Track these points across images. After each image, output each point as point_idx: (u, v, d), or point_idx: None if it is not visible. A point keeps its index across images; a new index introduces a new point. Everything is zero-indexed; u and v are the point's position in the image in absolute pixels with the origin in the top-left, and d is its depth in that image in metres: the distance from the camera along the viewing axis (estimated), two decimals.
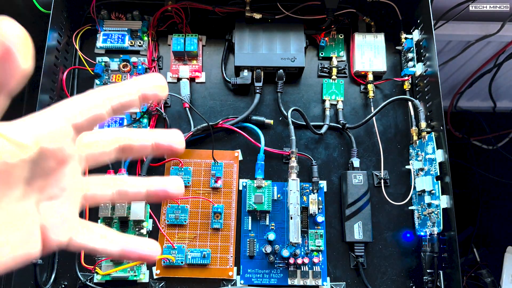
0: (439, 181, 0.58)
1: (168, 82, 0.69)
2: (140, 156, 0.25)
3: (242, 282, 0.61)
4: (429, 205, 0.60)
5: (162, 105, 0.67)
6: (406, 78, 0.69)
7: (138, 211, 0.61)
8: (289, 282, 0.61)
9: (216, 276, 0.61)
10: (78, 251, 0.23)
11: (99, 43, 0.69)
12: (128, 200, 0.26)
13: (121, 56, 0.68)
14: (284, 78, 0.67)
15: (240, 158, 0.66)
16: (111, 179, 0.27)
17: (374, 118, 0.66)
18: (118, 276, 0.60)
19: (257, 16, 0.67)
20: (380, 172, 0.66)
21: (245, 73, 0.67)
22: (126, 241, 0.26)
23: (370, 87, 0.68)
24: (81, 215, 0.61)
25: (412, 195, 0.65)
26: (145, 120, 0.66)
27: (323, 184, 0.65)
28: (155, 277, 0.61)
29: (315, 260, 0.61)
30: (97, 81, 0.68)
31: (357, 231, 0.62)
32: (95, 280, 0.60)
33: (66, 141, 0.23)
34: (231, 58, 0.70)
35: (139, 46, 0.69)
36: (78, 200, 0.26)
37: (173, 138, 0.27)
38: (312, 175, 0.63)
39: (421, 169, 0.63)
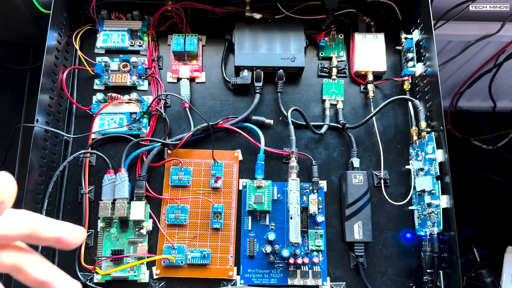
0: (439, 181, 0.58)
1: (168, 82, 0.69)
2: (43, 244, 0.27)
3: (242, 282, 0.61)
4: (429, 205, 0.60)
5: (162, 105, 0.67)
6: (406, 78, 0.69)
7: (138, 211, 0.61)
8: (289, 282, 0.61)
9: (216, 276, 0.61)
10: None
11: (99, 43, 0.69)
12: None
13: (121, 56, 0.68)
14: (284, 78, 0.67)
15: (240, 158, 0.66)
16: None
17: (374, 118, 0.66)
18: (118, 276, 0.60)
19: (257, 16, 0.67)
20: (380, 172, 0.66)
21: (245, 73, 0.67)
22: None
23: (370, 87, 0.68)
24: (81, 215, 0.61)
25: (412, 195, 0.65)
26: (145, 120, 0.66)
27: (323, 184, 0.65)
28: (155, 277, 0.61)
29: (315, 260, 0.61)
30: (97, 81, 0.68)
31: (357, 231, 0.62)
32: (95, 280, 0.60)
33: None
34: (231, 58, 0.70)
35: (139, 46, 0.69)
36: None
37: (73, 237, 0.28)
38: (312, 175, 0.63)
39: (421, 169, 0.63)
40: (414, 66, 0.67)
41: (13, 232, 0.26)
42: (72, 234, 0.28)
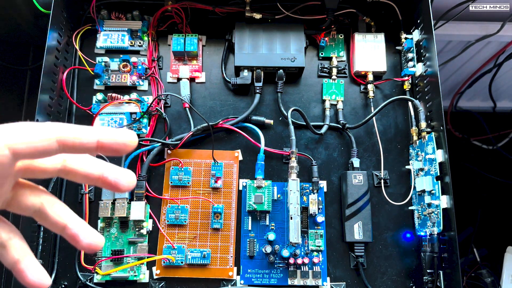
0: (439, 181, 0.58)
1: (168, 82, 0.69)
2: (84, 183, 0.26)
3: (242, 282, 0.61)
4: (429, 205, 0.60)
5: (162, 105, 0.67)
6: (406, 78, 0.69)
7: (138, 211, 0.61)
8: (289, 282, 0.61)
9: (216, 276, 0.61)
10: None
11: (99, 43, 0.69)
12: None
13: (121, 56, 0.68)
14: (284, 78, 0.67)
15: (240, 158, 0.66)
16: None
17: (374, 118, 0.66)
18: (118, 276, 0.60)
19: (257, 16, 0.67)
20: (380, 172, 0.66)
21: (245, 73, 0.67)
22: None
23: (370, 87, 0.68)
24: (81, 215, 0.61)
25: (412, 195, 0.65)
26: (145, 120, 0.66)
27: (323, 184, 0.65)
28: (155, 277, 0.61)
29: (315, 260, 0.61)
30: (97, 81, 0.68)
31: (357, 231, 0.62)
32: (95, 280, 0.60)
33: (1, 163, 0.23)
34: (231, 58, 0.70)
35: (139, 46, 0.69)
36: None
37: (121, 177, 0.27)
38: (312, 175, 0.63)
39: (421, 169, 0.63)
40: (414, 66, 0.67)
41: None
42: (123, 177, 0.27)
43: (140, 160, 0.64)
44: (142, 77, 0.68)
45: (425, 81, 0.65)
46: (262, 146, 0.64)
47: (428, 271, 0.59)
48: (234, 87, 0.69)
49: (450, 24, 0.82)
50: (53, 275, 0.60)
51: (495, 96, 1.19)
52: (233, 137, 0.67)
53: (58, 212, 0.27)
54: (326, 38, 0.71)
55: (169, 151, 0.65)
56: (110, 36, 0.69)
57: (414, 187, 0.64)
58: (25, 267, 0.27)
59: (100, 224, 0.62)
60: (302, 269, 0.61)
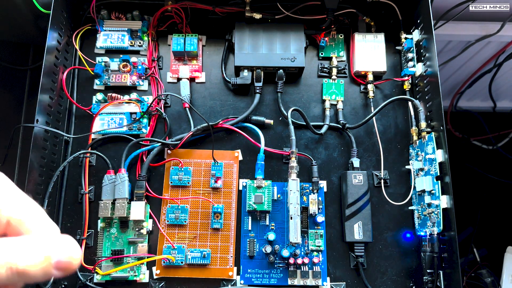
0: (439, 181, 0.58)
1: (168, 82, 0.69)
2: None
3: (242, 282, 0.61)
4: (429, 205, 0.60)
5: (162, 105, 0.67)
6: (406, 78, 0.69)
7: (138, 211, 0.61)
8: (289, 282, 0.61)
9: (216, 276, 0.61)
10: None
11: (99, 43, 0.69)
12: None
13: (121, 56, 0.68)
14: (284, 78, 0.67)
15: (240, 158, 0.66)
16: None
17: (374, 118, 0.66)
18: (118, 276, 0.60)
19: (257, 16, 0.67)
20: (380, 172, 0.66)
21: (245, 73, 0.67)
22: None
23: (370, 87, 0.68)
24: (81, 215, 0.61)
25: (412, 195, 0.65)
26: (145, 120, 0.66)
27: (323, 184, 0.65)
28: (155, 277, 0.61)
29: (315, 260, 0.61)
30: (97, 81, 0.68)
31: (357, 231, 0.62)
32: (95, 280, 0.60)
33: None
34: (231, 58, 0.70)
35: (139, 46, 0.69)
36: None
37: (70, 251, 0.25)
38: (312, 175, 0.63)
39: (421, 169, 0.63)
40: (414, 66, 0.67)
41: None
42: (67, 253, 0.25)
43: (140, 160, 0.64)
44: (142, 77, 0.68)
45: (425, 81, 0.65)
46: (262, 146, 0.64)
47: (428, 271, 0.59)
48: (234, 87, 0.69)
49: (450, 24, 0.83)
50: None
51: (495, 96, 1.19)
52: (233, 137, 0.67)
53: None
54: (326, 38, 0.71)
55: (169, 151, 0.65)
56: (110, 36, 0.69)
57: (414, 187, 0.64)
58: None
59: (100, 224, 0.62)
60: (302, 269, 0.61)
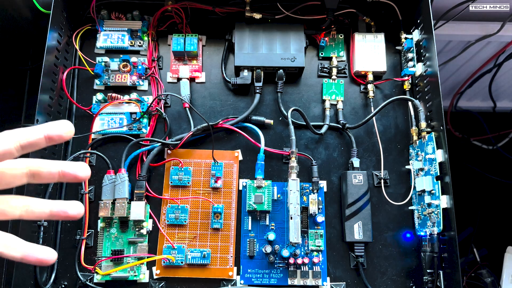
0: (439, 181, 0.58)
1: (168, 82, 0.69)
2: (49, 182, 0.33)
3: (242, 282, 0.61)
4: (429, 205, 0.60)
5: (162, 105, 0.67)
6: (406, 78, 0.69)
7: (138, 211, 0.61)
8: (289, 282, 0.61)
9: (216, 276, 0.61)
10: None
11: (99, 43, 0.69)
12: (34, 217, 0.32)
13: (121, 56, 0.68)
14: (284, 78, 0.67)
15: (240, 158, 0.66)
16: (19, 200, 0.31)
17: (374, 118, 0.66)
18: (118, 276, 0.60)
19: (257, 16, 0.67)
20: (380, 172, 0.66)
21: (245, 73, 0.67)
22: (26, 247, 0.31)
23: (370, 87, 0.68)
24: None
25: (412, 195, 0.65)
26: (145, 120, 0.66)
27: (323, 184, 0.65)
28: (155, 277, 0.61)
29: (315, 260, 0.61)
30: (97, 81, 0.68)
31: (357, 231, 0.62)
32: (95, 280, 0.60)
33: None
34: (231, 58, 0.70)
35: (139, 46, 0.69)
36: None
37: (78, 169, 0.32)
38: (312, 175, 0.63)
39: (421, 169, 0.63)
40: (414, 66, 0.67)
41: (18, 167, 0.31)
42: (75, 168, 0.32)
43: (140, 160, 0.64)
44: (142, 77, 0.68)
45: (425, 81, 0.65)
46: (262, 146, 0.64)
47: (428, 271, 0.59)
48: (234, 87, 0.69)
49: (450, 24, 0.83)
50: (53, 275, 0.60)
51: (495, 96, 1.19)
52: (233, 137, 0.67)
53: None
54: (326, 38, 0.71)
55: (169, 151, 0.65)
56: (110, 36, 0.69)
57: (414, 187, 0.64)
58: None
59: (100, 224, 0.62)
60: (302, 269, 0.61)
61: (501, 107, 1.27)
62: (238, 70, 0.67)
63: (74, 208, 0.33)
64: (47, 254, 0.31)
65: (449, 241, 0.57)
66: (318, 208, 0.63)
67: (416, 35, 0.68)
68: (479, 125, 1.29)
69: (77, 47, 0.68)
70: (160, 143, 0.64)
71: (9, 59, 0.81)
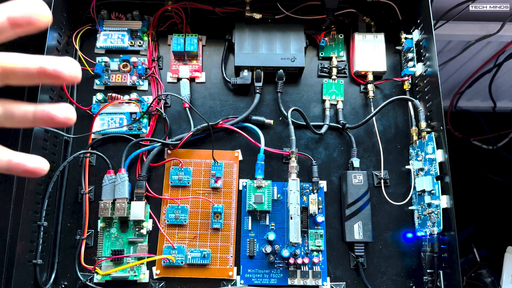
0: (439, 181, 0.58)
1: (168, 82, 0.69)
2: (27, 83, 0.25)
3: (242, 282, 0.61)
4: (429, 205, 0.60)
5: (162, 105, 0.67)
6: (406, 78, 0.69)
7: (138, 211, 0.61)
8: (289, 282, 0.61)
9: (216, 276, 0.61)
10: None
11: (99, 43, 0.69)
12: (15, 123, 0.27)
13: (121, 56, 0.68)
14: (284, 78, 0.67)
15: (240, 158, 0.66)
16: None
17: (374, 118, 0.66)
18: (118, 276, 0.60)
19: (257, 16, 0.67)
20: (380, 172, 0.66)
21: (245, 73, 0.67)
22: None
23: (370, 87, 0.68)
24: (81, 215, 0.62)
25: (412, 195, 0.65)
26: (145, 120, 0.66)
27: (323, 184, 0.65)
28: (155, 277, 0.61)
29: (315, 260, 0.61)
30: (97, 81, 0.68)
31: (357, 231, 0.62)
32: (95, 280, 0.60)
33: None
34: (231, 58, 0.70)
35: (139, 46, 0.69)
36: None
37: (64, 68, 0.25)
38: (312, 175, 0.63)
39: (421, 169, 0.63)
40: (414, 66, 0.67)
41: None
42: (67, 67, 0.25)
43: (140, 160, 0.64)
44: (142, 77, 0.68)
45: (425, 81, 0.65)
46: (262, 146, 0.64)
47: (428, 271, 0.59)
48: (234, 87, 0.69)
49: (450, 24, 0.83)
50: (53, 275, 0.60)
51: (495, 96, 1.19)
52: (233, 137, 0.67)
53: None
54: (326, 38, 0.71)
55: (169, 151, 0.65)
56: (110, 36, 0.69)
57: (414, 187, 0.64)
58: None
59: (100, 224, 0.62)
60: (302, 269, 0.61)
61: (501, 107, 1.27)
62: (238, 70, 0.67)
63: (62, 111, 0.26)
64: (37, 163, 0.27)
65: (449, 241, 0.57)
66: (318, 208, 0.63)
67: (416, 35, 0.68)
68: (479, 125, 1.29)
69: (77, 47, 0.68)
70: (160, 143, 0.64)
71: None
